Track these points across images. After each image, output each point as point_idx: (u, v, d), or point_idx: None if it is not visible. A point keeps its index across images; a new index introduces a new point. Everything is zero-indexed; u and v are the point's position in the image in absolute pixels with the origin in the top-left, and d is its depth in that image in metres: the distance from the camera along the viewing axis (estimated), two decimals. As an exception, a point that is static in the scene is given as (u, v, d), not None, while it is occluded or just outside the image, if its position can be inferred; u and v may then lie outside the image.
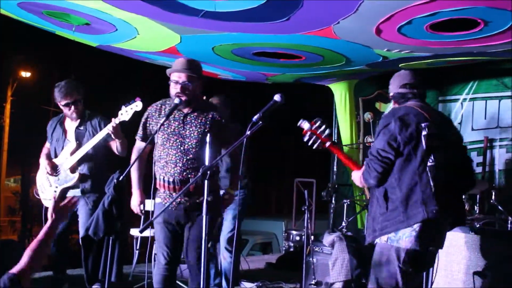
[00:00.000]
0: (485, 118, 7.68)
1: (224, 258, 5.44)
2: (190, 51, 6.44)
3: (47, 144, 5.45)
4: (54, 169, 5.23)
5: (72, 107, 5.19)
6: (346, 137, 8.17)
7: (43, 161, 5.30)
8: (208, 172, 3.43)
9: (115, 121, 4.89)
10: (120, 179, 4.27)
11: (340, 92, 8.22)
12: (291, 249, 8.18)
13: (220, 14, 4.96)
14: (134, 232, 6.52)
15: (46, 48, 18.35)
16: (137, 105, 4.86)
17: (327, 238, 5.75)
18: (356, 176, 3.71)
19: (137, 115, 4.74)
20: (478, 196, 6.23)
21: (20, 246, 8.50)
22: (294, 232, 8.15)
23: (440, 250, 3.81)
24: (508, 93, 7.46)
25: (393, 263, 3.54)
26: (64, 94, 5.14)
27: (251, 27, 5.33)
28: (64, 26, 5.91)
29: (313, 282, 5.49)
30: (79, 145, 5.16)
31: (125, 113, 4.90)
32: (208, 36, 5.75)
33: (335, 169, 8.94)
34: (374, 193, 3.70)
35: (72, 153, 5.16)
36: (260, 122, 3.54)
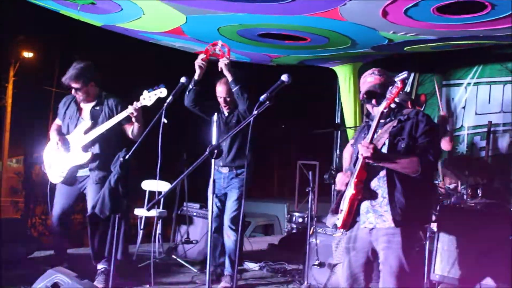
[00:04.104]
0: (489, 103, 7.67)
1: (228, 237, 5.46)
2: (195, 32, 6.44)
3: (58, 121, 5.44)
4: (66, 145, 5.23)
5: (80, 92, 5.19)
6: (350, 119, 8.17)
7: (54, 136, 5.27)
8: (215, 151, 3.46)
9: (136, 105, 4.92)
10: (126, 157, 4.30)
11: (344, 74, 8.22)
12: (294, 231, 8.21)
13: (227, -5, 4.97)
14: (139, 212, 6.55)
15: (49, 28, 18.26)
16: (161, 92, 4.90)
17: (330, 220, 5.76)
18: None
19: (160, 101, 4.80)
20: (481, 180, 6.26)
21: (24, 224, 8.55)
22: (296, 214, 8.19)
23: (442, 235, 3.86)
24: (513, 78, 7.47)
25: None
26: (72, 78, 5.14)
27: (257, 7, 5.31)
28: (68, 5, 5.89)
29: (316, 263, 5.51)
30: (94, 125, 5.16)
31: (148, 98, 4.93)
32: (214, 16, 5.74)
33: (337, 152, 8.96)
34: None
35: (86, 132, 5.16)
36: (267, 102, 3.55)
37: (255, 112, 3.57)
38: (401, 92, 3.44)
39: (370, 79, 3.76)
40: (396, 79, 3.45)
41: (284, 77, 3.61)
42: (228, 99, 5.47)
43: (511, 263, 4.33)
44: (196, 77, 5.26)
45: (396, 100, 3.41)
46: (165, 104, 4.38)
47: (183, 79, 4.62)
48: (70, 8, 6.01)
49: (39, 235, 17.58)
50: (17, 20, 18.86)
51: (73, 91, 5.21)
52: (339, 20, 5.51)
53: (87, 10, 5.94)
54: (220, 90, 5.49)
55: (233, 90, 5.27)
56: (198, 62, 5.20)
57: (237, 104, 5.42)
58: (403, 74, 3.51)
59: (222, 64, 5.21)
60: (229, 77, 5.26)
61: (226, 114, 5.56)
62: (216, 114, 5.55)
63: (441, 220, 4.95)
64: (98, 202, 4.48)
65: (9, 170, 25.58)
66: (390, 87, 3.45)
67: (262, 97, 3.56)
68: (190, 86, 5.27)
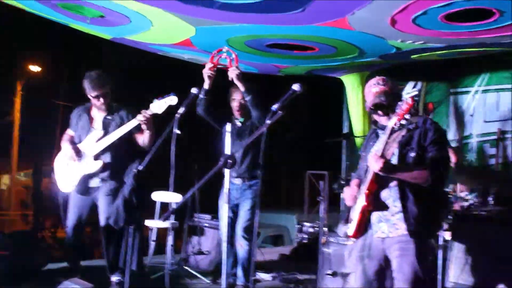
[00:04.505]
0: (497, 110, 7.66)
1: (241, 246, 5.46)
2: (204, 43, 6.47)
3: (70, 131, 5.48)
4: (78, 154, 5.26)
5: (102, 99, 5.23)
6: (358, 128, 8.17)
7: (66, 146, 5.31)
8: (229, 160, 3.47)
9: (147, 113, 4.94)
10: (140, 169, 4.32)
11: (351, 84, 8.23)
12: (304, 241, 8.17)
13: (236, 6, 4.99)
14: (150, 223, 6.54)
15: (55, 43, 18.39)
16: (172, 100, 4.91)
17: (342, 229, 5.78)
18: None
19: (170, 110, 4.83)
20: (492, 188, 6.25)
21: (36, 237, 8.57)
22: (307, 224, 8.16)
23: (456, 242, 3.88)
24: (521, 86, 7.48)
25: None
26: (96, 86, 5.17)
27: (266, 18, 5.34)
28: (78, 18, 5.94)
29: (329, 272, 5.50)
30: (105, 134, 5.21)
31: (158, 106, 4.95)
32: (223, 27, 5.77)
33: (346, 162, 8.96)
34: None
35: (98, 140, 5.20)
36: (280, 112, 3.56)
37: (267, 121, 3.57)
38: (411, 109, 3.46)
39: (374, 89, 3.77)
40: (406, 96, 3.47)
41: (295, 87, 3.62)
42: (242, 102, 5.42)
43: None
44: (205, 86, 5.22)
45: (406, 116, 3.43)
46: (177, 115, 4.40)
47: (193, 90, 4.65)
48: (80, 21, 6.05)
49: (48, 248, 17.57)
50: (24, 35, 18.98)
51: (94, 100, 5.25)
52: (348, 29, 5.53)
53: (96, 23, 5.98)
54: (235, 94, 5.47)
55: (246, 99, 5.24)
56: (206, 72, 5.16)
57: (250, 114, 5.41)
58: (414, 91, 3.56)
59: (232, 74, 5.12)
60: (241, 87, 5.18)
61: (239, 124, 5.56)
62: (229, 124, 5.53)
63: (455, 228, 4.94)
64: (113, 213, 4.49)
65: (18, 184, 25.61)
66: (400, 103, 3.47)
67: (274, 107, 3.56)
68: (201, 96, 5.26)
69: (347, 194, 3.91)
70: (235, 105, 5.53)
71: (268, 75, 8.28)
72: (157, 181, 5.78)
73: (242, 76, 5.18)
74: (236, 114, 5.57)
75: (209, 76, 5.18)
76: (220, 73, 5.28)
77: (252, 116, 5.33)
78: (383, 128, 3.73)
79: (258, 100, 5.19)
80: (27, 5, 5.71)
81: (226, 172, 3.74)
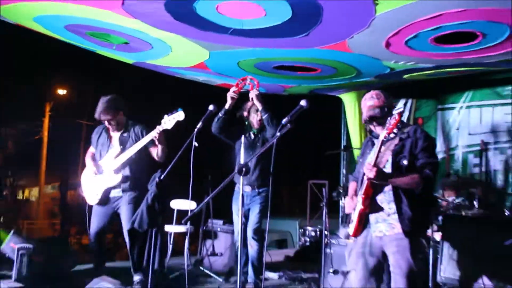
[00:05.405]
0: (480, 124, 7.68)
1: (251, 246, 5.46)
2: (217, 66, 6.50)
3: (92, 149, 5.54)
4: (99, 170, 5.32)
5: (112, 122, 5.30)
6: (356, 141, 8.17)
7: (89, 162, 5.38)
8: (243, 168, 3.49)
9: (159, 128, 4.97)
10: (162, 178, 4.34)
11: (350, 101, 8.24)
12: (307, 244, 8.16)
13: (246, 31, 5.02)
14: (169, 228, 6.56)
15: (80, 68, 18.52)
16: (179, 115, 4.93)
17: (343, 231, 5.82)
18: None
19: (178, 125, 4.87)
20: (476, 194, 6.27)
21: (65, 242, 8.59)
22: (309, 228, 8.15)
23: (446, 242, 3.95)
24: (501, 101, 7.49)
25: None
26: (104, 112, 5.23)
27: (274, 42, 5.37)
28: (104, 45, 5.99)
29: (331, 270, 5.50)
30: (122, 150, 5.24)
31: (168, 122, 4.97)
32: (234, 51, 5.80)
33: (344, 171, 8.95)
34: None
35: (116, 156, 5.23)
36: (289, 125, 3.58)
37: (278, 133, 3.60)
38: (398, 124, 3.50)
39: (369, 102, 3.84)
40: (394, 112, 3.52)
41: (303, 102, 3.65)
42: (260, 118, 5.50)
43: (507, 265, 4.33)
44: (227, 106, 5.32)
45: (395, 131, 3.47)
46: (195, 129, 4.41)
47: (211, 107, 4.65)
48: (106, 47, 6.10)
49: (75, 252, 17.55)
50: (52, 61, 19.14)
51: (106, 122, 5.30)
52: (347, 52, 5.56)
53: (121, 49, 6.03)
54: (253, 111, 5.56)
55: (263, 117, 5.34)
56: (230, 94, 5.26)
57: (262, 128, 5.48)
58: (400, 108, 3.64)
59: (253, 94, 5.28)
60: (259, 106, 5.33)
61: (252, 136, 5.59)
62: (243, 136, 5.55)
63: (445, 229, 4.97)
64: (137, 217, 4.51)
65: (46, 195, 25.71)
66: (389, 118, 3.53)
67: (284, 121, 3.59)
68: (220, 114, 5.32)
69: (347, 204, 3.99)
70: (254, 118, 5.58)
71: (275, 94, 8.30)
72: (175, 189, 5.80)
73: (261, 97, 5.33)
74: (255, 126, 5.61)
75: (232, 98, 5.28)
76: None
77: (267, 130, 5.39)
78: (377, 137, 3.80)
79: (274, 117, 5.28)
80: (60, 34, 5.76)
81: (240, 179, 3.74)
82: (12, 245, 5.17)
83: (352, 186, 4.08)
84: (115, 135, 5.39)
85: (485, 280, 4.36)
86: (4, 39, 13.96)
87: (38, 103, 22.78)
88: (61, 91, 23.48)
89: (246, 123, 5.65)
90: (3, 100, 18.46)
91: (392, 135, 3.49)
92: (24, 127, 23.29)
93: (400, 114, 3.50)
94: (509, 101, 7.43)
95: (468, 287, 4.45)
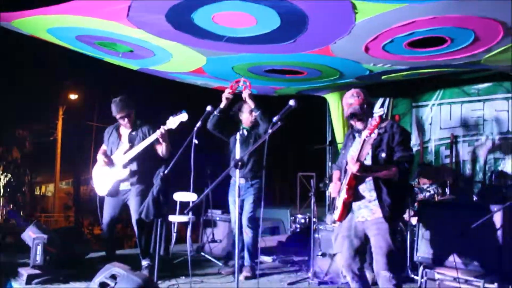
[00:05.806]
0: (450, 119, 7.71)
1: (247, 234, 5.46)
2: (213, 71, 6.48)
3: (104, 146, 5.53)
4: (110, 163, 5.30)
5: (126, 119, 5.30)
6: (339, 136, 8.17)
7: (100, 157, 5.35)
8: (239, 163, 3.49)
9: (164, 128, 4.97)
10: (166, 172, 4.33)
11: (333, 101, 8.23)
12: (297, 230, 8.16)
13: (240, 39, 5.00)
14: (172, 218, 6.55)
15: (89, 75, 18.45)
16: (183, 116, 4.93)
17: (329, 218, 5.84)
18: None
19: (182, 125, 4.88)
20: (448, 181, 6.33)
21: (80, 231, 8.56)
22: (299, 216, 8.15)
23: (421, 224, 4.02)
24: (468, 99, 7.53)
25: None
26: (119, 109, 5.26)
27: (265, 48, 5.35)
28: (111, 53, 5.96)
29: (319, 254, 5.51)
30: (131, 146, 5.24)
31: (172, 122, 4.97)
32: (229, 57, 5.78)
33: (329, 164, 8.96)
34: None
35: (125, 152, 5.23)
36: (279, 123, 3.58)
37: (269, 130, 3.60)
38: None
39: (350, 100, 3.84)
40: (375, 114, 3.51)
41: (291, 102, 3.63)
42: (252, 115, 5.51)
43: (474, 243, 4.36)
44: (221, 106, 5.32)
45: (375, 131, 3.46)
46: (195, 128, 4.41)
47: (208, 108, 4.66)
48: (112, 55, 6.08)
49: (88, 241, 17.49)
50: (65, 68, 19.07)
51: (120, 120, 5.29)
52: (330, 56, 5.55)
53: (126, 56, 6.01)
54: (246, 109, 5.56)
55: (256, 114, 5.34)
56: (225, 95, 5.27)
57: (255, 124, 5.48)
58: (381, 111, 3.64)
59: (245, 94, 5.30)
60: (252, 104, 5.34)
61: (246, 132, 5.59)
62: (237, 133, 5.55)
63: (420, 214, 5.00)
64: (144, 208, 4.51)
65: (61, 191, 25.67)
66: (371, 119, 3.50)
67: (275, 119, 3.59)
68: (215, 113, 5.32)
69: (332, 188, 4.01)
70: (246, 116, 5.57)
71: (266, 95, 8.28)
72: (177, 182, 5.80)
73: (253, 97, 5.35)
74: (247, 124, 5.60)
75: (227, 98, 5.29)
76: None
77: (260, 126, 5.39)
78: (358, 131, 3.84)
79: (265, 114, 5.28)
80: (71, 44, 5.73)
81: (236, 172, 3.74)
82: (30, 234, 5.14)
83: (336, 174, 4.12)
84: (125, 134, 5.39)
85: (457, 259, 4.38)
86: (22, 55, 13.96)
87: (52, 107, 22.73)
88: (73, 96, 23.46)
89: (240, 121, 5.65)
90: (21, 105, 18.42)
91: (373, 135, 3.48)
92: (40, 129, 23.24)
93: (381, 116, 3.49)
94: (475, 98, 7.47)
95: (440, 264, 4.47)
